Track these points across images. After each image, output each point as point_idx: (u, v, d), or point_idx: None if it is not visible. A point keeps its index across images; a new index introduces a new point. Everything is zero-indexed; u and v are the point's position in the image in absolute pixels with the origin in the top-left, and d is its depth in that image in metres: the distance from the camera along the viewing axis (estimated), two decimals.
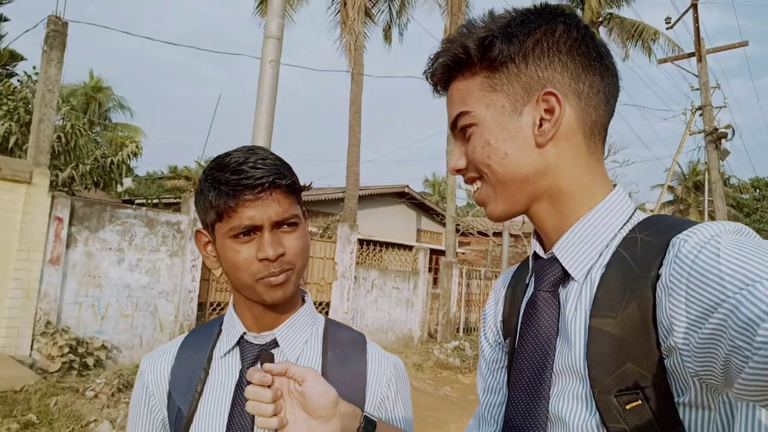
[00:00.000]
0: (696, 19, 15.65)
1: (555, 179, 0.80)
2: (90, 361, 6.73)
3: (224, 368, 1.07)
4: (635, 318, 0.68)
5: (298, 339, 1.08)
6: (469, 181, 0.87)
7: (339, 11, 15.73)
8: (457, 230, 18.39)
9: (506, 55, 0.79)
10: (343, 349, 1.11)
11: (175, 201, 15.72)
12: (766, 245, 0.60)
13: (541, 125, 0.79)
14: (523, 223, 18.56)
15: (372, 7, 16.89)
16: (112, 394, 5.94)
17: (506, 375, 0.93)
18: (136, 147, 11.16)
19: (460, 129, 0.85)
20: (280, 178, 1.00)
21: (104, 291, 7.24)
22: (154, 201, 15.83)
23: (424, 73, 0.90)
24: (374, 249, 12.64)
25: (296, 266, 1.03)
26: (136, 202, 16.10)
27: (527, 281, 0.92)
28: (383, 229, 19.90)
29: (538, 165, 0.80)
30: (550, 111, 0.78)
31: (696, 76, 16.11)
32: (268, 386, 0.81)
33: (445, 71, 0.86)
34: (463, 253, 24.53)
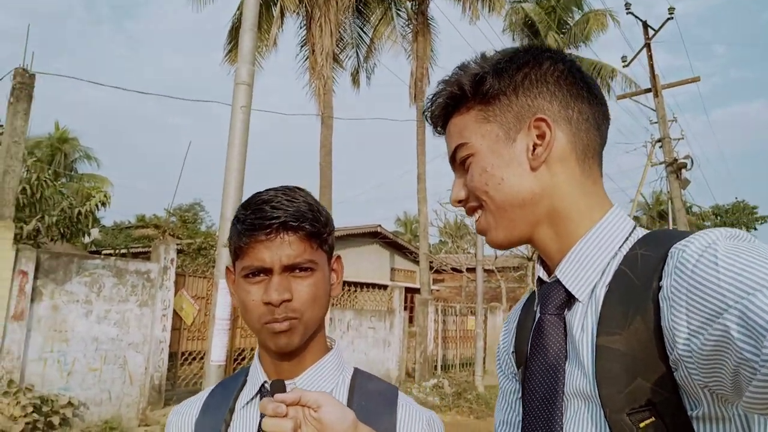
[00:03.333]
0: (650, 57, 16.38)
1: (551, 201, 0.82)
2: (56, 419, 6.44)
3: (245, 418, 1.03)
4: (641, 332, 0.67)
5: (322, 388, 1.03)
6: (471, 211, 0.89)
7: (308, 58, 16.00)
8: (431, 267, 18.43)
9: (497, 89, 0.84)
10: (371, 401, 1.04)
11: (144, 250, 15.43)
12: (762, 249, 0.60)
13: (534, 150, 0.82)
14: (496, 257, 18.70)
15: (340, 53, 17.26)
16: None
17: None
18: (105, 196, 10.98)
19: (459, 161, 0.88)
20: (296, 220, 0.96)
21: (71, 345, 6.99)
22: (122, 251, 15.51)
23: (424, 113, 0.95)
24: (349, 290, 12.55)
25: (303, 315, 0.97)
26: (104, 252, 15.75)
27: (535, 308, 0.91)
28: (357, 270, 19.80)
29: (534, 188, 0.82)
30: (541, 136, 0.82)
31: (653, 110, 16.75)
32: (285, 416, 0.78)
33: (443, 109, 0.90)
34: (437, 290, 24.51)
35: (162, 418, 6.90)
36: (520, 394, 0.93)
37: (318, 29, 14.71)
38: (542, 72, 0.84)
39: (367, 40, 17.88)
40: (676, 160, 15.98)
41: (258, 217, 0.96)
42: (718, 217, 44.27)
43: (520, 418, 0.91)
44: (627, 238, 0.80)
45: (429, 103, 0.93)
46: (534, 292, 0.97)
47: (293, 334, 0.97)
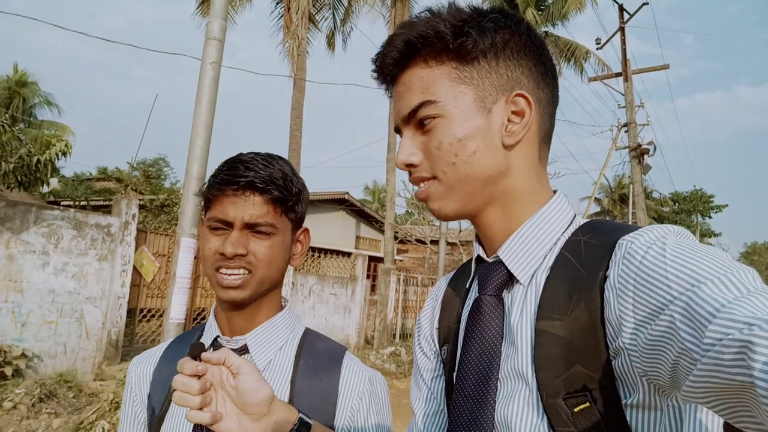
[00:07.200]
0: (623, 42, 16.56)
1: (511, 182, 0.79)
2: (8, 370, 6.34)
3: None
4: (583, 320, 0.67)
5: (271, 345, 1.08)
6: (418, 180, 0.80)
7: (282, 16, 15.62)
8: (396, 238, 18.58)
9: (480, 49, 0.76)
10: (317, 360, 1.10)
11: (105, 204, 15.09)
12: (706, 248, 0.61)
13: (507, 126, 0.77)
14: (459, 231, 18.95)
15: (316, 13, 16.88)
16: (33, 405, 5.64)
17: (442, 384, 0.91)
18: (66, 146, 10.61)
19: (418, 120, 0.78)
20: (263, 183, 1.01)
21: (26, 296, 6.84)
22: (82, 203, 15.14)
23: (378, 54, 0.81)
24: (312, 255, 12.57)
25: (256, 273, 1.02)
26: (63, 203, 15.35)
27: (468, 286, 0.90)
28: (322, 236, 19.80)
29: (501, 166, 0.77)
30: (517, 113, 0.77)
31: (622, 94, 17.01)
32: (199, 377, 0.78)
33: (406, 53, 0.78)
34: (401, 261, 24.76)
35: (118, 374, 6.87)
36: (438, 373, 0.94)
37: None
38: (522, 43, 0.78)
39: (345, 2, 17.51)
40: (639, 145, 16.34)
41: (230, 174, 1.01)
42: (677, 204, 45.62)
43: (437, 396, 0.92)
44: (569, 225, 0.80)
45: (387, 44, 0.80)
46: (460, 269, 0.97)
47: (244, 288, 1.02)
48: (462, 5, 0.80)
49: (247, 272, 1.02)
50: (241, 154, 1.07)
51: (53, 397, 6.02)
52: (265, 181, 1.01)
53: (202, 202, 1.08)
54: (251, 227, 1.02)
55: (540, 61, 0.80)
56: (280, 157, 1.09)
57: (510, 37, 0.78)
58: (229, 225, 1.01)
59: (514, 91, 0.77)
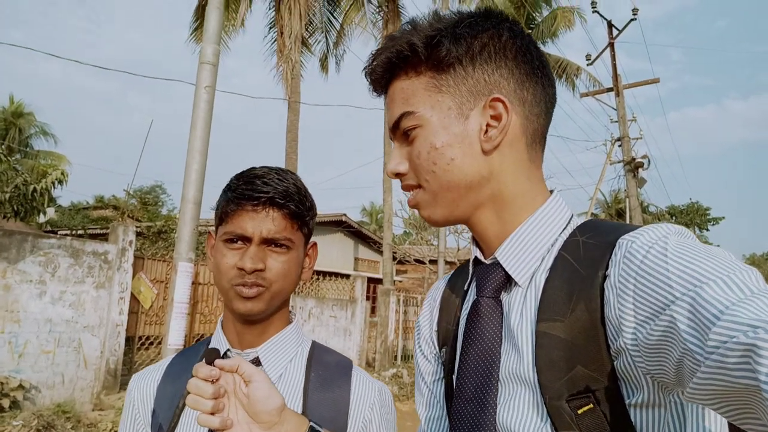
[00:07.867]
0: (613, 57, 16.75)
1: (498, 186, 0.79)
2: (5, 402, 6.25)
3: None
4: (584, 320, 0.67)
5: (282, 358, 1.09)
6: (408, 188, 0.83)
7: (275, 40, 15.79)
8: (394, 258, 18.53)
9: (454, 56, 0.77)
10: (327, 372, 1.10)
11: (102, 232, 15.05)
12: (708, 248, 0.61)
13: (486, 131, 0.77)
14: (458, 250, 18.94)
15: (309, 36, 17.08)
16: None
17: (443, 387, 0.91)
18: (62, 174, 10.62)
19: (403, 131, 0.81)
20: (282, 198, 1.02)
21: (23, 326, 6.77)
22: (79, 232, 15.10)
23: (364, 69, 0.85)
24: (311, 278, 12.49)
25: (271, 287, 1.03)
26: (60, 233, 15.30)
27: (466, 288, 0.90)
28: (320, 258, 19.63)
29: (483, 171, 0.77)
30: (496, 117, 0.77)
31: (614, 109, 17.16)
32: (213, 382, 0.79)
33: (388, 68, 0.82)
34: (400, 281, 24.67)
35: (117, 403, 6.79)
36: (439, 376, 0.93)
37: (287, 11, 14.50)
38: (501, 44, 0.78)
39: (337, 26, 17.73)
40: (633, 159, 16.42)
41: (248, 188, 1.02)
42: (673, 217, 45.74)
43: (440, 399, 0.92)
44: (567, 225, 0.79)
45: (371, 59, 0.83)
46: (457, 270, 0.97)
47: (259, 300, 1.02)
48: (446, 12, 0.81)
49: (263, 287, 1.02)
50: (254, 168, 1.08)
51: (51, 428, 5.92)
52: (283, 196, 1.02)
53: (216, 217, 1.08)
54: (269, 242, 1.03)
55: (525, 60, 0.79)
56: (292, 172, 1.10)
57: (488, 40, 0.78)
58: (246, 240, 1.02)
59: (491, 95, 0.77)
